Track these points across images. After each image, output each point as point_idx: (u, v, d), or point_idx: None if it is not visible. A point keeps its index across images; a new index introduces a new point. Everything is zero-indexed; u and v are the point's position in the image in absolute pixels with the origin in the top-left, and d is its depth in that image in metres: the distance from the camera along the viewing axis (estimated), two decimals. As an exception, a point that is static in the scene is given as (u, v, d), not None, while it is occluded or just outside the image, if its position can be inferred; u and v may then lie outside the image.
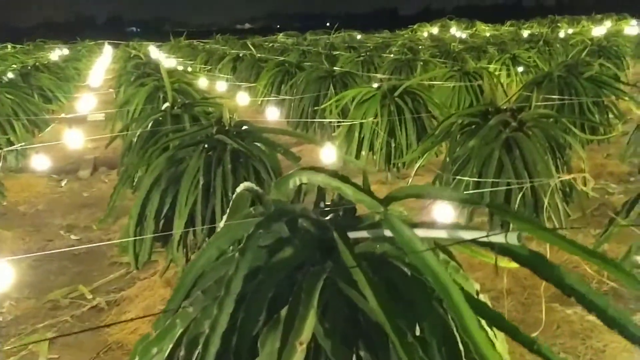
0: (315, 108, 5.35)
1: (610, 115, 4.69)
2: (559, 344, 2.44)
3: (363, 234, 1.12)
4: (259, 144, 2.77)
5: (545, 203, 2.93)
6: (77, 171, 5.66)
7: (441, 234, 0.90)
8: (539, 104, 4.06)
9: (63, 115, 6.61)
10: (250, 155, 2.60)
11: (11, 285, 3.18)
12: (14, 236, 3.85)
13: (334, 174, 1.00)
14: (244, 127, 2.86)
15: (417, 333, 1.02)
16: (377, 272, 1.10)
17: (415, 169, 3.32)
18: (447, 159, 3.16)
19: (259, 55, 9.55)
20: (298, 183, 1.10)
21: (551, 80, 4.68)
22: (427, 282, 1.05)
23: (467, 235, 0.86)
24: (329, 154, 3.55)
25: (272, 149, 2.71)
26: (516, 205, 2.92)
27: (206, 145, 2.63)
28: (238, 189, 1.39)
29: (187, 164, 2.57)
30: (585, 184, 2.08)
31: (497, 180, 2.80)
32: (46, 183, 5.22)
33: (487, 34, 16.50)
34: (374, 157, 4.38)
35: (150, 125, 3.88)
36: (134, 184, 2.95)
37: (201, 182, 2.50)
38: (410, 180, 3.60)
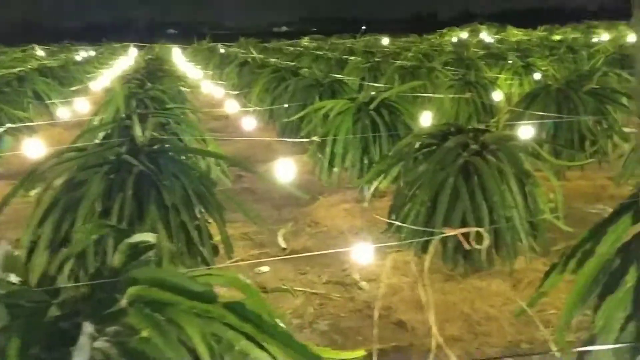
0: (285, 120, 5.04)
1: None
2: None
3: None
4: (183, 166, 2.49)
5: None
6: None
7: None
8: (526, 122, 3.66)
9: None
10: (157, 179, 2.31)
11: None
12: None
13: None
14: (165, 146, 2.58)
15: None
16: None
17: (370, 193, 2.98)
18: (402, 184, 2.82)
19: (259, 58, 9.30)
20: None
21: (548, 94, 4.25)
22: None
23: None
24: (284, 175, 3.27)
25: (190, 172, 2.41)
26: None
27: (111, 167, 2.35)
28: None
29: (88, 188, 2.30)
30: (473, 240, 1.70)
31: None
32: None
33: (516, 39, 15.84)
34: (348, 173, 4.06)
35: (102, 137, 3.67)
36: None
37: (98, 210, 2.23)
38: (365, 204, 3.26)
